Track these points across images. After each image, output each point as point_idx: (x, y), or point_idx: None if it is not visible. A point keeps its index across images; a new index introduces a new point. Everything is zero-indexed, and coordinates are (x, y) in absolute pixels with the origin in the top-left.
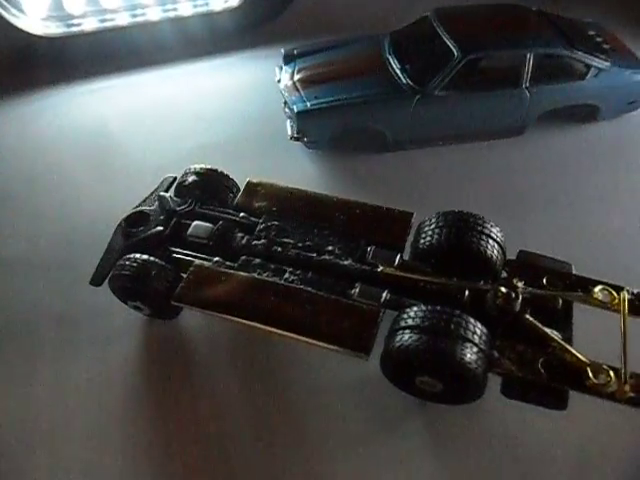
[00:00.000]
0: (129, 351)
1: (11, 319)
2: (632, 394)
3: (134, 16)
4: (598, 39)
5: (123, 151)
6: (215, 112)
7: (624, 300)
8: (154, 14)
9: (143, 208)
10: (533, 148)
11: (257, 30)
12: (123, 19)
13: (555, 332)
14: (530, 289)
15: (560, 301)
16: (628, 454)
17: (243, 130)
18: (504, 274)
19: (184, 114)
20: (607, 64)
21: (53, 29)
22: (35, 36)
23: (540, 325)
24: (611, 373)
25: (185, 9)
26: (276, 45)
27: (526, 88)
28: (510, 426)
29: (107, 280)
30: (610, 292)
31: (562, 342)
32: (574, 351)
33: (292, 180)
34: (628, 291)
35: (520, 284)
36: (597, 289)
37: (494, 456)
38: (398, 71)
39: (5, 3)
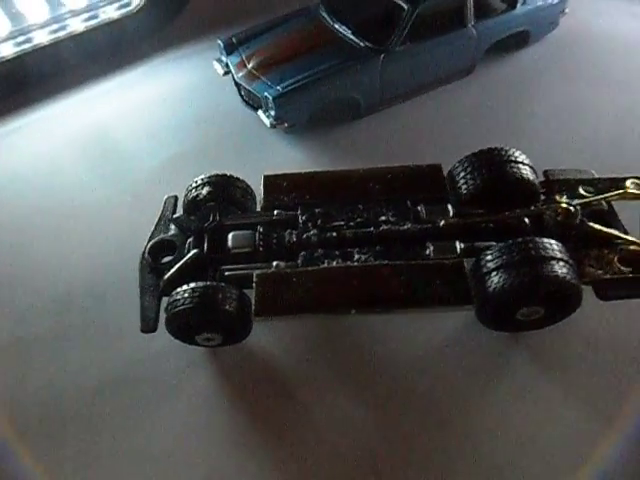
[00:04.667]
0: (207, 388)
1: (65, 398)
2: None
3: (18, 44)
4: None
5: (82, 186)
6: (166, 122)
7: None
8: (41, 37)
9: (162, 237)
10: (486, 82)
11: (163, 32)
12: (7, 50)
13: (615, 231)
14: (578, 200)
15: (604, 203)
16: None
17: (205, 132)
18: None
19: (132, 133)
20: None
21: None
22: None
23: (603, 228)
24: None
25: (76, 24)
26: (189, 42)
27: (472, 26)
28: (605, 326)
29: (164, 321)
30: (638, 184)
31: (626, 237)
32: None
33: (281, 168)
34: None
35: (564, 198)
36: (629, 183)
37: (604, 360)
38: (351, 36)
39: None
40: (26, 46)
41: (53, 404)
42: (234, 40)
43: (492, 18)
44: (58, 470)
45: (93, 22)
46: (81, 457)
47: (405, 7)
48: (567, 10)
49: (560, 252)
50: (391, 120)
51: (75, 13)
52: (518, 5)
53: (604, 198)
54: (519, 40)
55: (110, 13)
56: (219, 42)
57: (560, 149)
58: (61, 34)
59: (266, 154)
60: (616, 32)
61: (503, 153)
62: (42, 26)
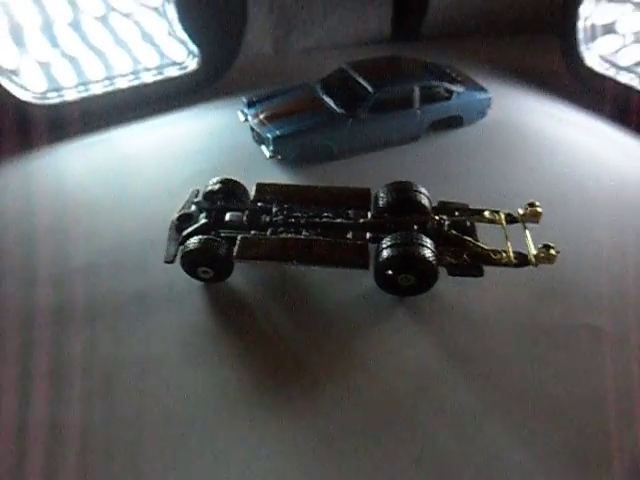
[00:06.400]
0: (198, 307)
1: (99, 299)
2: (516, 261)
3: (105, 86)
4: (453, 74)
5: (134, 186)
6: (197, 149)
7: (501, 217)
8: (122, 83)
9: (186, 211)
10: (427, 148)
11: (206, 88)
12: (98, 89)
13: (469, 238)
14: (450, 218)
15: (468, 222)
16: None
17: (224, 159)
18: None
19: (172, 155)
20: (462, 89)
21: (46, 100)
22: (34, 105)
23: (460, 235)
24: (503, 253)
25: (147, 77)
26: (223, 97)
27: (417, 108)
28: (457, 299)
29: (179, 258)
30: (493, 214)
31: (474, 242)
32: (482, 245)
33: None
34: (502, 212)
35: (444, 216)
36: (486, 213)
37: (453, 318)
38: (333, 105)
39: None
40: (110, 88)
41: (88, 303)
42: (253, 99)
43: (433, 104)
44: (93, 340)
45: (159, 77)
46: (107, 333)
47: (371, 90)
48: (492, 105)
49: (427, 243)
50: (354, 164)
51: (148, 69)
52: (453, 97)
53: (466, 219)
54: (455, 122)
55: (172, 72)
56: (243, 99)
57: (461, 194)
58: (135, 82)
59: (263, 174)
60: (532, 126)
61: (408, 185)
62: (123, 75)
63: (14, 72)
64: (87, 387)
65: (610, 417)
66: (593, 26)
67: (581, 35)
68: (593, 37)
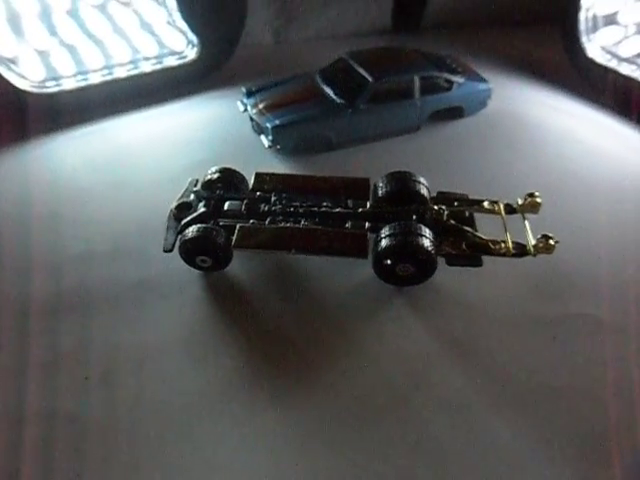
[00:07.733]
0: (196, 295)
1: (97, 288)
2: (514, 251)
3: (104, 75)
4: (454, 65)
5: (133, 175)
6: (197, 139)
7: (500, 207)
8: (121, 73)
9: (185, 200)
10: (427, 139)
11: (205, 79)
12: (96, 78)
13: (468, 228)
14: (448, 208)
15: (467, 213)
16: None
17: (223, 149)
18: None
19: (173, 144)
20: (463, 80)
21: (44, 89)
22: (32, 94)
23: (459, 225)
24: (502, 244)
25: (146, 67)
26: (222, 87)
27: (417, 99)
28: (455, 289)
29: (177, 247)
30: (492, 204)
31: (473, 232)
32: (480, 235)
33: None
34: (501, 202)
35: (443, 207)
36: (485, 203)
37: (452, 308)
38: (332, 95)
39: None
40: (108, 77)
41: (85, 292)
42: (253, 88)
43: (433, 94)
44: (90, 329)
45: (158, 66)
46: (104, 322)
47: (370, 80)
48: (492, 96)
49: (426, 232)
50: (354, 155)
51: (147, 59)
52: (454, 88)
53: (465, 209)
54: (456, 113)
55: (171, 62)
56: (242, 89)
57: (461, 184)
58: (134, 72)
59: (262, 164)
60: (533, 117)
61: (408, 175)
62: (122, 64)
63: (12, 60)
64: (84, 376)
65: (608, 406)
66: (595, 17)
67: (583, 26)
68: (595, 28)
